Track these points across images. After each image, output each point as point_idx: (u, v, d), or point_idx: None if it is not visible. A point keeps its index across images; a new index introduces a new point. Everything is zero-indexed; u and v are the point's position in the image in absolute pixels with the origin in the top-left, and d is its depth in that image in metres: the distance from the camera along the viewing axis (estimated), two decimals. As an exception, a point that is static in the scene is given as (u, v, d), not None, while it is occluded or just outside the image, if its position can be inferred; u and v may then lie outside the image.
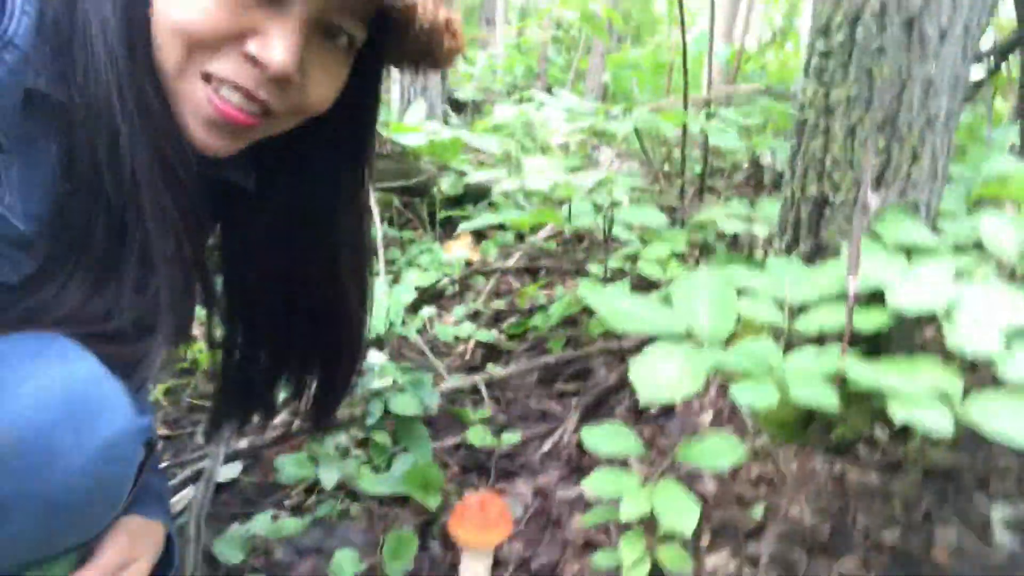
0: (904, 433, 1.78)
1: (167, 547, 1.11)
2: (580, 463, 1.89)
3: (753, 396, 1.23)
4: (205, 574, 1.54)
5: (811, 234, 1.75)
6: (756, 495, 1.68)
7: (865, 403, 1.72)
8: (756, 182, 3.45)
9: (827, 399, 1.20)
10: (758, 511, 1.62)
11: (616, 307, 1.47)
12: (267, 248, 1.09)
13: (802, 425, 1.82)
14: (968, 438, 1.81)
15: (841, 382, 1.27)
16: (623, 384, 2.13)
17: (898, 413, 1.09)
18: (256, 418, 1.32)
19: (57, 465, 0.75)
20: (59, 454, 0.76)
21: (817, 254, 1.73)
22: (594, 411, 2.07)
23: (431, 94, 4.04)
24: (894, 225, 1.58)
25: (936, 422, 1.07)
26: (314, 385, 1.26)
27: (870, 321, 1.33)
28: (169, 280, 0.89)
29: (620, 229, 2.16)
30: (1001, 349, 1.22)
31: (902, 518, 1.60)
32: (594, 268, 2.42)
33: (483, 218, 2.36)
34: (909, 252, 1.52)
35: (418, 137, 3.05)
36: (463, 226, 2.22)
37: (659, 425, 1.96)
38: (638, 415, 2.02)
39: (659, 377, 1.29)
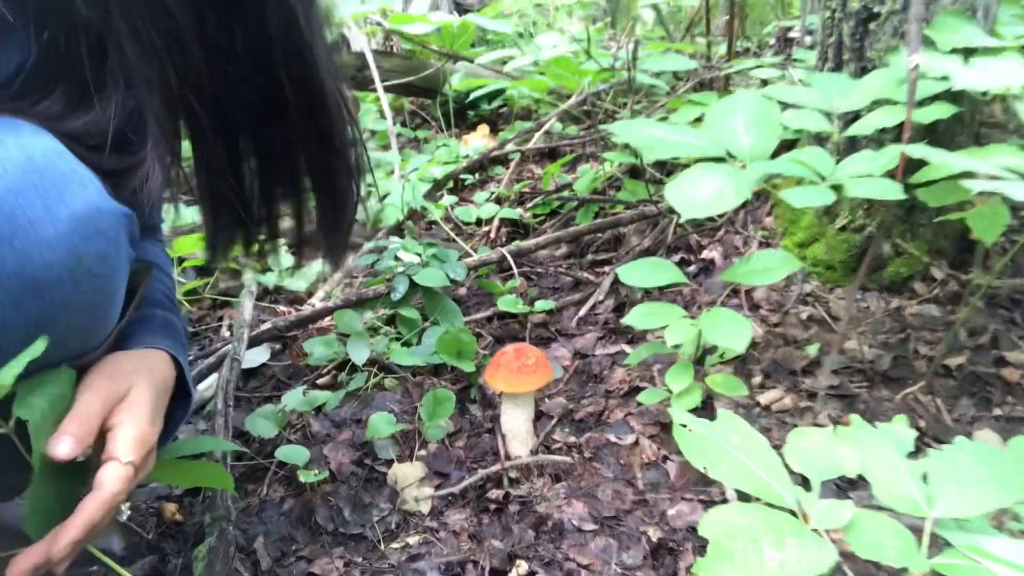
0: (963, 267, 1.68)
1: (181, 382, 1.03)
2: (617, 326, 1.80)
3: (807, 198, 1.12)
4: (237, 450, 1.49)
5: (855, 55, 1.61)
6: (808, 335, 1.59)
7: (923, 227, 1.61)
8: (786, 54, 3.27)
9: (890, 191, 1.08)
10: (811, 349, 1.53)
11: (649, 135, 1.36)
12: (242, 58, 0.99)
13: (851, 266, 1.72)
14: (1032, 266, 1.70)
15: (903, 175, 1.16)
16: (657, 248, 2.02)
17: (978, 186, 0.97)
18: (259, 245, 1.22)
19: (29, 236, 0.69)
20: (28, 223, 0.69)
21: (862, 76, 1.59)
22: (629, 277, 1.97)
23: (435, -12, 3.87)
24: (950, 29, 1.43)
25: (1020, 192, 0.96)
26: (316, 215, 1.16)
27: (932, 113, 1.21)
28: (154, 105, 0.83)
29: (646, 78, 2.02)
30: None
31: (968, 344, 1.50)
32: (618, 139, 2.29)
33: (498, 83, 2.23)
34: (967, 55, 1.38)
35: (424, 26, 2.90)
36: (474, 95, 2.07)
37: (698, 283, 1.86)
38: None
39: (699, 194, 1.18)
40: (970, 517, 0.70)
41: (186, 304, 2.11)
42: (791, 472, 0.70)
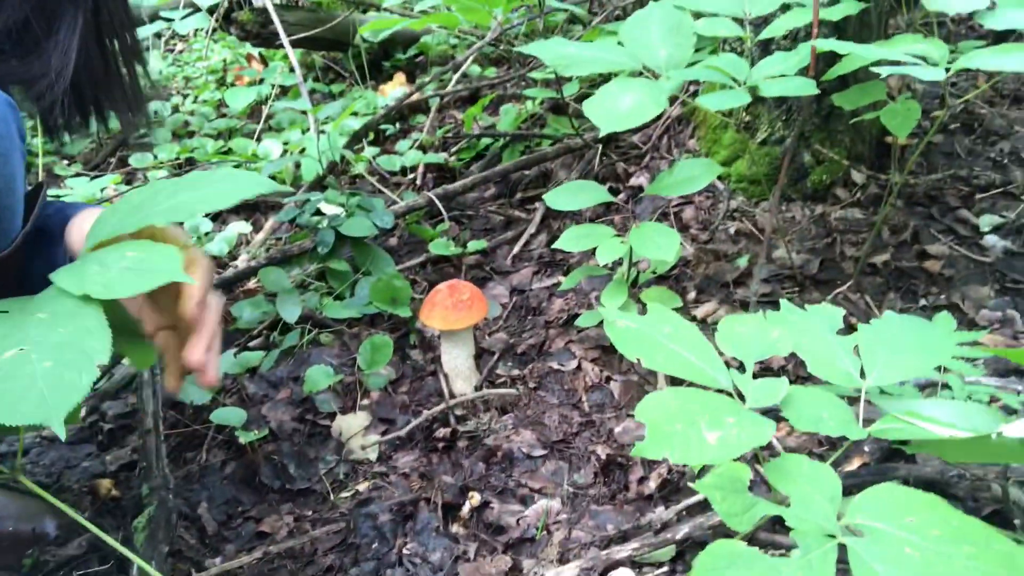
0: (881, 169, 1.71)
1: None
2: (552, 259, 1.79)
3: (723, 100, 1.11)
4: (170, 418, 1.44)
5: (762, -36, 1.61)
6: (737, 249, 1.60)
7: (840, 134, 1.63)
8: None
9: (804, 87, 1.08)
10: (742, 262, 1.55)
11: (565, 52, 1.33)
12: None
13: (774, 178, 1.74)
14: (944, 163, 1.74)
15: (816, 75, 1.16)
16: (585, 179, 2.01)
17: (889, 72, 0.98)
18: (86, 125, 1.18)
19: None
20: None
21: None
22: (558, 212, 1.95)
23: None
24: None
25: (929, 74, 0.97)
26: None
27: (839, 11, 1.21)
28: None
29: (556, 3, 1.98)
30: (984, 6, 1.11)
31: (891, 242, 1.54)
32: (538, 75, 2.25)
33: (405, 22, 2.16)
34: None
35: (328, -24, 2.79)
36: (382, 35, 2.00)
37: (630, 210, 1.86)
38: (607, 207, 1.91)
39: (620, 106, 1.17)
40: (903, 386, 0.72)
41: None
42: (725, 358, 0.70)
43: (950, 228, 1.58)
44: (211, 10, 2.71)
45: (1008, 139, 1.79)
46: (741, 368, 0.69)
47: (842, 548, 0.53)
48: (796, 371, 1.26)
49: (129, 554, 0.84)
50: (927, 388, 0.93)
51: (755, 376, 0.68)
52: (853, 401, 0.71)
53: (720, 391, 0.65)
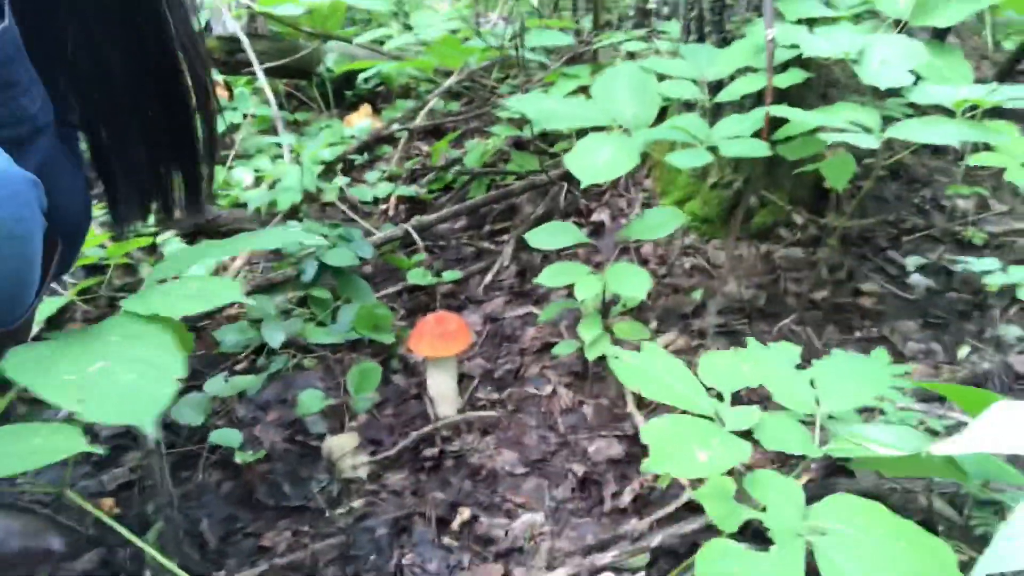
0: (819, 212, 1.90)
1: None
2: (522, 289, 1.92)
3: (689, 159, 1.26)
4: (167, 440, 1.51)
5: (715, 27, 1.78)
6: (692, 283, 1.76)
7: (783, 179, 1.81)
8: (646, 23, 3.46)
9: (758, 149, 1.25)
10: (697, 295, 1.71)
11: (543, 107, 1.48)
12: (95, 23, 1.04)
13: (724, 219, 1.91)
14: (875, 208, 1.95)
15: (767, 134, 1.33)
16: (551, 215, 2.15)
17: (832, 140, 1.14)
18: (154, 212, 1.27)
19: None
20: None
21: (724, 46, 1.76)
22: (526, 244, 2.09)
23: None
24: (795, 1, 1.62)
25: (864, 141, 1.13)
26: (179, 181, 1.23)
27: (787, 79, 1.38)
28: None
29: (530, 54, 2.13)
30: (910, 82, 1.29)
31: (829, 279, 1.72)
32: (504, 113, 2.39)
33: (382, 64, 2.27)
34: (811, 24, 1.57)
35: (293, 8, 2.88)
36: (360, 77, 2.11)
37: (593, 245, 2.00)
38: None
39: (596, 161, 1.31)
40: (847, 412, 0.87)
41: (82, 305, 2.06)
42: (706, 388, 0.84)
43: (881, 267, 1.77)
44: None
45: (929, 186, 2.01)
46: (719, 397, 0.83)
47: (809, 545, 0.67)
48: (759, 398, 1.42)
49: (165, 561, 0.92)
50: (866, 413, 1.09)
51: (732, 404, 0.82)
52: (808, 425, 0.85)
53: (705, 417, 0.79)
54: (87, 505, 0.90)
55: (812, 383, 0.86)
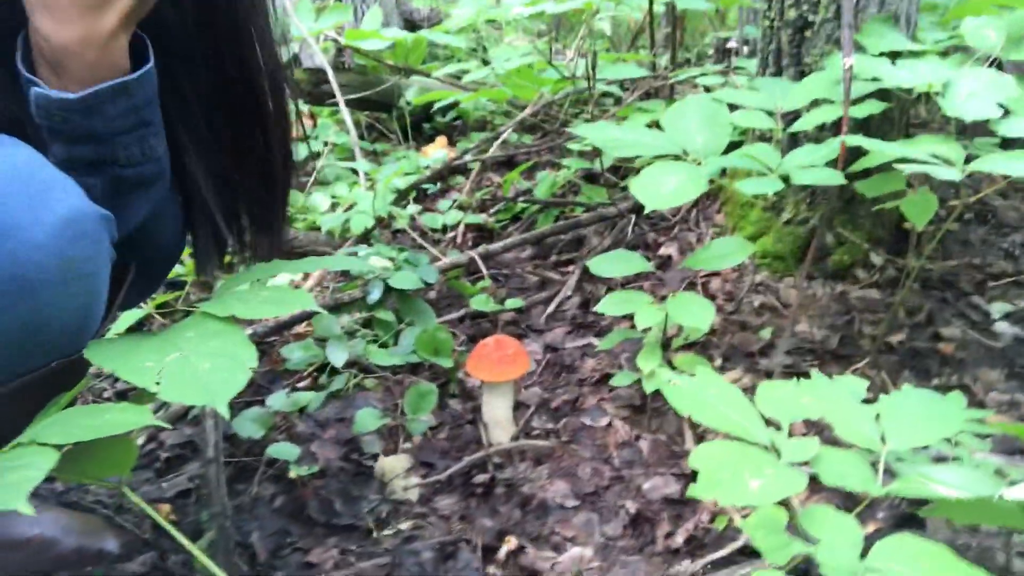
0: (898, 253, 1.82)
1: None
2: (584, 320, 1.90)
3: (759, 186, 1.23)
4: (227, 451, 1.53)
5: (793, 60, 1.75)
6: (761, 321, 1.71)
7: (862, 218, 1.75)
8: (725, 63, 3.44)
9: (832, 178, 1.20)
10: (765, 333, 1.65)
11: (610, 136, 1.47)
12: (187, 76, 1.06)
13: (798, 256, 1.85)
14: (959, 251, 1.85)
15: (843, 166, 1.28)
16: (617, 247, 2.13)
17: (911, 169, 1.09)
18: (232, 256, 1.29)
19: (19, 239, 0.73)
20: (17, 227, 0.73)
21: (801, 79, 1.73)
22: (591, 275, 2.07)
23: (385, 4, 3.93)
24: (877, 34, 1.57)
25: (946, 173, 1.08)
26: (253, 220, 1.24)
27: (865, 110, 1.34)
28: None
29: (603, 86, 2.13)
30: (998, 115, 1.23)
31: (907, 322, 1.64)
32: (575, 145, 2.40)
33: (458, 95, 2.31)
34: (893, 58, 1.53)
35: (378, 42, 2.98)
36: (436, 107, 2.15)
37: (658, 278, 1.97)
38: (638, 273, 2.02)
39: (662, 187, 1.29)
40: (916, 452, 0.81)
41: (159, 318, 2.14)
42: (763, 417, 0.80)
43: (963, 313, 1.68)
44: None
45: (1020, 231, 1.90)
46: (777, 428, 0.79)
47: (864, 586, 0.62)
48: (822, 433, 1.35)
49: (215, 569, 0.92)
50: (938, 461, 1.02)
51: (789, 435, 0.77)
52: (873, 464, 0.80)
53: (760, 446, 0.75)
54: (144, 506, 0.92)
55: (878, 418, 0.81)
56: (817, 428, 1.18)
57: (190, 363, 0.74)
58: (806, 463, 0.74)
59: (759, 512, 0.67)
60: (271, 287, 0.88)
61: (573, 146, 2.42)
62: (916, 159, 1.14)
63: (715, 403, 0.78)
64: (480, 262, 2.02)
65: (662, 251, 2.07)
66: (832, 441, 0.81)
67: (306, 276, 2.22)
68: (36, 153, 0.81)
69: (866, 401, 0.87)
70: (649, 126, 2.16)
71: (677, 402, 0.78)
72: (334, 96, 2.89)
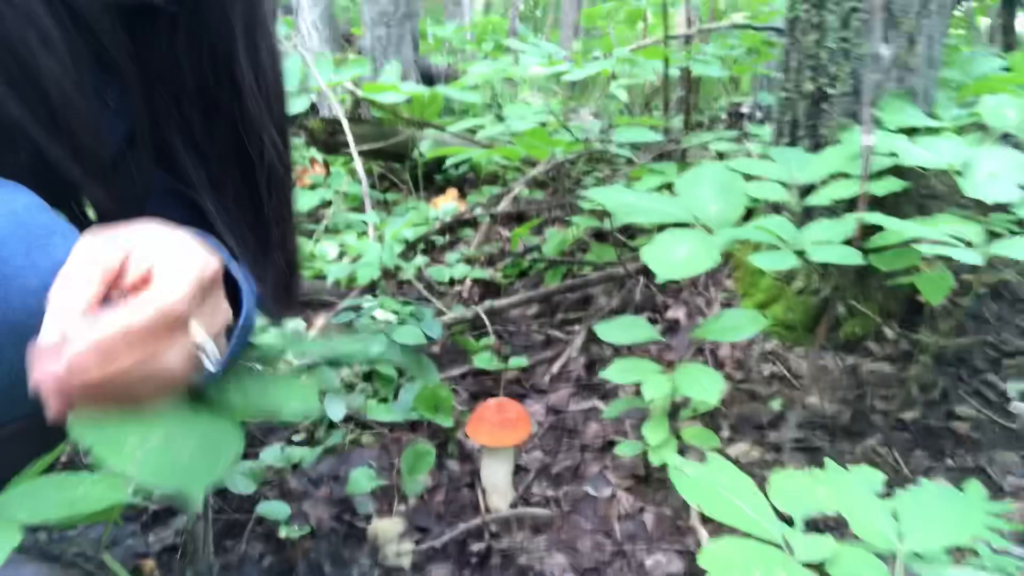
0: (912, 327, 1.79)
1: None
2: (589, 382, 1.87)
3: (773, 261, 1.21)
4: (217, 506, 1.49)
5: (809, 132, 1.74)
6: (771, 391, 1.67)
7: (874, 290, 1.72)
8: (738, 128, 3.46)
9: (850, 256, 1.18)
10: (775, 404, 1.61)
11: (623, 200, 1.45)
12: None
13: (809, 326, 1.82)
14: (973, 327, 1.82)
15: (859, 242, 1.26)
16: (625, 308, 2.11)
17: (932, 252, 1.07)
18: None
19: (12, 285, 0.70)
20: (12, 272, 0.71)
21: (816, 151, 1.72)
22: (596, 336, 2.04)
23: (404, 59, 3.99)
24: (895, 110, 1.57)
25: (968, 256, 1.06)
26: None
27: (884, 187, 1.32)
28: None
29: (615, 148, 2.13)
30: (1019, 198, 1.21)
31: (920, 399, 1.60)
32: (585, 203, 2.39)
33: (472, 151, 2.32)
34: (911, 134, 1.52)
35: (395, 96, 3.00)
36: (449, 162, 2.15)
37: (666, 343, 1.94)
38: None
39: (675, 257, 1.27)
40: (934, 551, 0.77)
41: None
42: (775, 511, 0.76)
43: (978, 391, 1.64)
44: (291, 119, 2.92)
45: (1036, 310, 1.87)
46: (790, 523, 0.75)
47: None
48: (834, 526, 1.30)
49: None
50: (956, 553, 0.97)
51: (804, 530, 0.74)
52: (888, 562, 0.76)
53: (772, 544, 0.71)
54: (121, 572, 0.88)
55: (895, 516, 0.77)
56: (830, 521, 1.14)
57: (173, 443, 0.70)
58: (820, 564, 0.70)
59: (771, 619, 0.63)
60: (275, 378, 0.85)
61: (584, 204, 2.41)
62: (936, 240, 1.11)
63: (726, 494, 0.74)
64: (485, 318, 1.99)
65: (670, 314, 2.04)
66: (845, 535, 0.77)
67: (310, 324, 2.19)
68: (38, 199, 0.79)
69: (883, 495, 0.83)
70: (660, 188, 2.16)
71: (686, 492, 0.74)
72: (348, 146, 2.91)
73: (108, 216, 0.92)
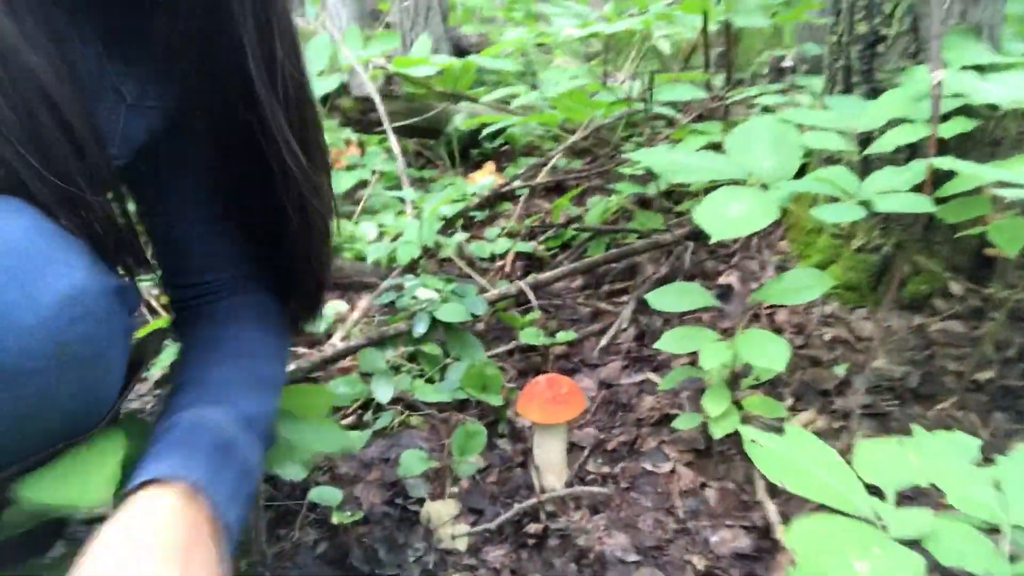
0: (980, 282, 1.68)
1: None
2: (640, 354, 1.80)
3: (839, 214, 1.13)
4: (268, 494, 1.47)
5: (864, 77, 1.64)
6: (834, 356, 1.58)
7: (939, 244, 1.62)
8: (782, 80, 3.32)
9: (919, 204, 1.09)
10: (839, 369, 1.53)
11: (671, 160, 1.38)
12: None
13: (871, 286, 1.72)
14: (1052, 279, 1.70)
15: (929, 189, 1.17)
16: (674, 276, 2.03)
17: (1010, 193, 0.98)
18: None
19: (5, 322, 0.65)
20: (4, 310, 0.65)
21: (873, 97, 1.62)
22: (646, 305, 1.97)
23: (434, 31, 3.92)
24: (960, 47, 1.46)
25: (1053, 198, 0.97)
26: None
27: (952, 128, 1.22)
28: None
29: (659, 108, 2.04)
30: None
31: (996, 358, 1.50)
32: (627, 169, 2.31)
33: (508, 119, 2.25)
34: (977, 71, 1.41)
35: (427, 68, 2.94)
36: (484, 133, 2.08)
37: (720, 309, 1.86)
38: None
39: (728, 215, 1.19)
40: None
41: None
42: (864, 483, 0.70)
43: (1060, 347, 1.53)
44: (323, 100, 2.88)
45: (1118, 257, 1.74)
46: (881, 496, 0.69)
47: None
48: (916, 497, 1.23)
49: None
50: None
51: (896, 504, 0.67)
52: (992, 537, 0.69)
53: (864, 519, 0.65)
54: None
55: (997, 486, 0.70)
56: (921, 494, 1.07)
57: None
58: (917, 540, 0.63)
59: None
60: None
61: (625, 170, 2.33)
62: (1017, 183, 1.02)
63: (809, 467, 0.68)
64: (530, 292, 1.94)
65: (721, 280, 1.96)
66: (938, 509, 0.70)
67: (352, 307, 2.16)
68: (41, 220, 0.71)
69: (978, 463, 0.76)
70: (705, 148, 2.07)
71: (766, 467, 0.68)
72: (382, 124, 2.86)
73: (116, 232, 0.86)
